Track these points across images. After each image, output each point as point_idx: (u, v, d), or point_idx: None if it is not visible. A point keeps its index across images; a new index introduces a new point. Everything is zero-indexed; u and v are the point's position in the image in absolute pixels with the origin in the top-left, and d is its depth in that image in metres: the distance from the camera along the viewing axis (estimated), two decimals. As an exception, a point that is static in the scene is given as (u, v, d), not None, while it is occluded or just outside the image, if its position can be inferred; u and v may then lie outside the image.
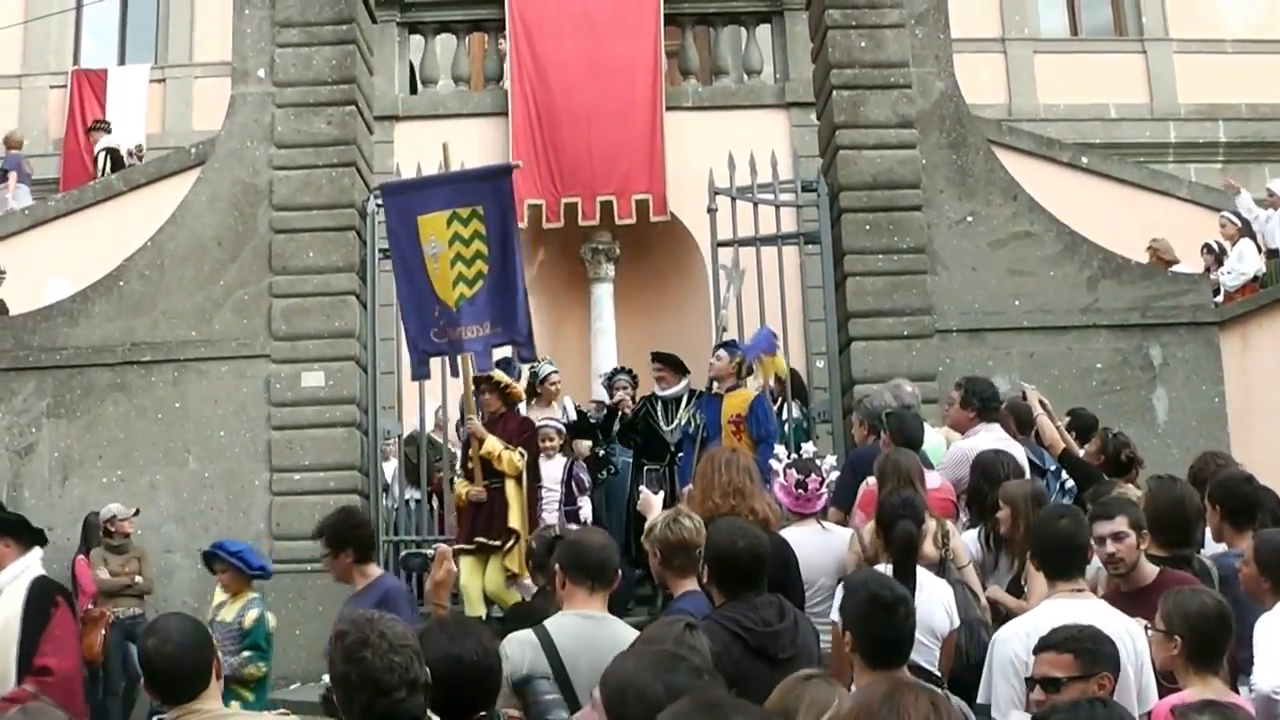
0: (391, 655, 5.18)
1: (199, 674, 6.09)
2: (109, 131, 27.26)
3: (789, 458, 10.40)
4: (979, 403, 12.06)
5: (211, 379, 17.05)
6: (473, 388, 15.11)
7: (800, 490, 9.91)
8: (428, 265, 14.93)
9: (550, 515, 15.34)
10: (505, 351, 15.80)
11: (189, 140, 24.22)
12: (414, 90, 23.74)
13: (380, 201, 16.90)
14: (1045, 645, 6.45)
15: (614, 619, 7.44)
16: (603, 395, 18.70)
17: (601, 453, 17.47)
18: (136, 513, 16.59)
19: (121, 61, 30.45)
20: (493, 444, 14.67)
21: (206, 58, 28.31)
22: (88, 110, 28.83)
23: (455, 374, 15.30)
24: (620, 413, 17.32)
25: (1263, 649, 7.37)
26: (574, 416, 17.54)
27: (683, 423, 16.19)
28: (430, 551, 10.39)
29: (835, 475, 10.34)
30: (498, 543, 14.58)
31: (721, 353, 15.30)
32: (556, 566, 7.62)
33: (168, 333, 17.19)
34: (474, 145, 20.66)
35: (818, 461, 10.21)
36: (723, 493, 9.37)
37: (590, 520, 15.55)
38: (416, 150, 18.99)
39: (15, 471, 17.03)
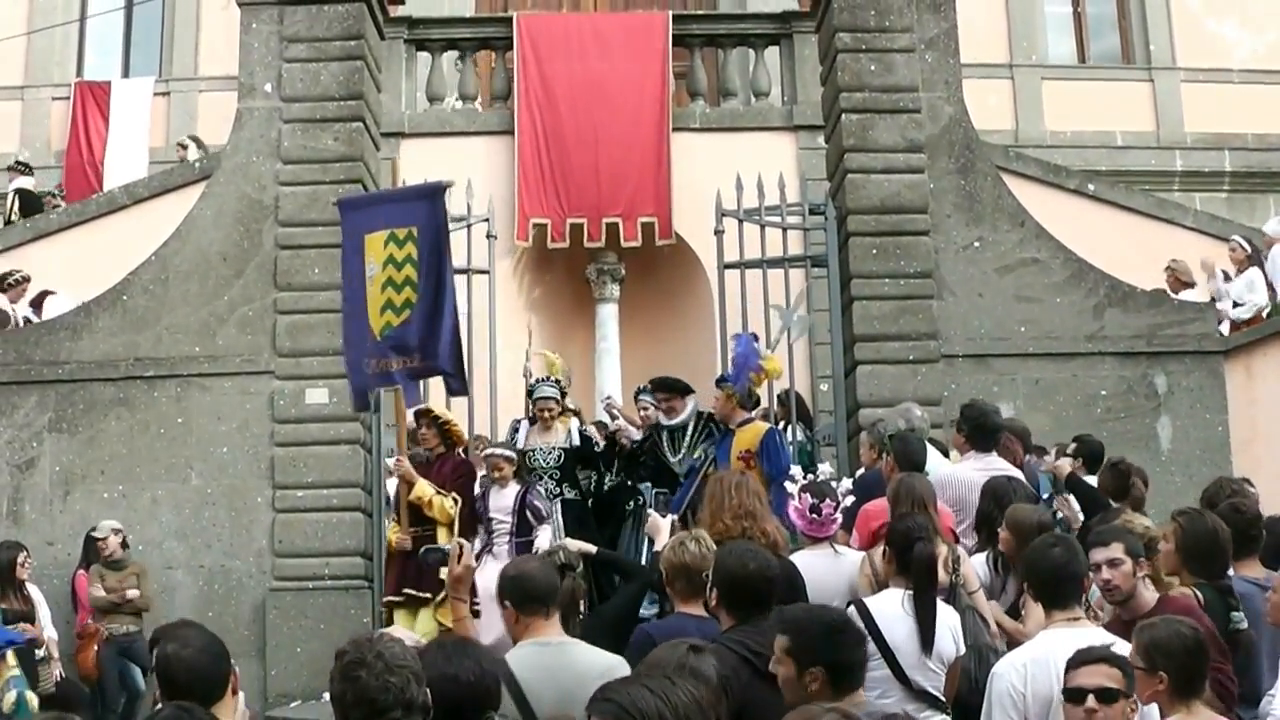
0: (387, 675, 5.22)
1: (215, 684, 6.08)
2: (25, 173, 26.80)
3: (804, 479, 10.38)
4: (968, 428, 12.13)
5: (215, 395, 17.00)
6: (410, 424, 14.61)
7: (814, 515, 9.87)
8: (367, 289, 13.77)
9: (501, 547, 14.73)
10: (436, 383, 14.66)
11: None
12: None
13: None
14: (1092, 658, 6.43)
15: (575, 643, 7.36)
16: (604, 417, 18.40)
17: (607, 484, 16.59)
18: (118, 532, 16.50)
19: (125, 74, 30.31)
20: (422, 488, 14.04)
21: (211, 71, 28.22)
22: (91, 122, 28.76)
23: (366, 407, 15.01)
24: (618, 444, 16.64)
25: None
26: (577, 442, 16.31)
27: (693, 456, 15.54)
28: (448, 546, 10.22)
29: (850, 500, 10.29)
30: (427, 595, 13.86)
31: (717, 391, 14.95)
32: (506, 604, 7.46)
33: (171, 348, 17.15)
34: (480, 164, 20.72)
35: (833, 485, 10.19)
36: (734, 515, 9.37)
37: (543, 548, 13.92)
38: (422, 168, 18.98)
39: (16, 486, 16.99)
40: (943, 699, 8.17)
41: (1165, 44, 29.67)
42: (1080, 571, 7.78)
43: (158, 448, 17.00)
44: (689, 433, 15.89)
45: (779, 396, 17.46)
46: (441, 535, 13.87)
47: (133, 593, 16.37)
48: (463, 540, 8.54)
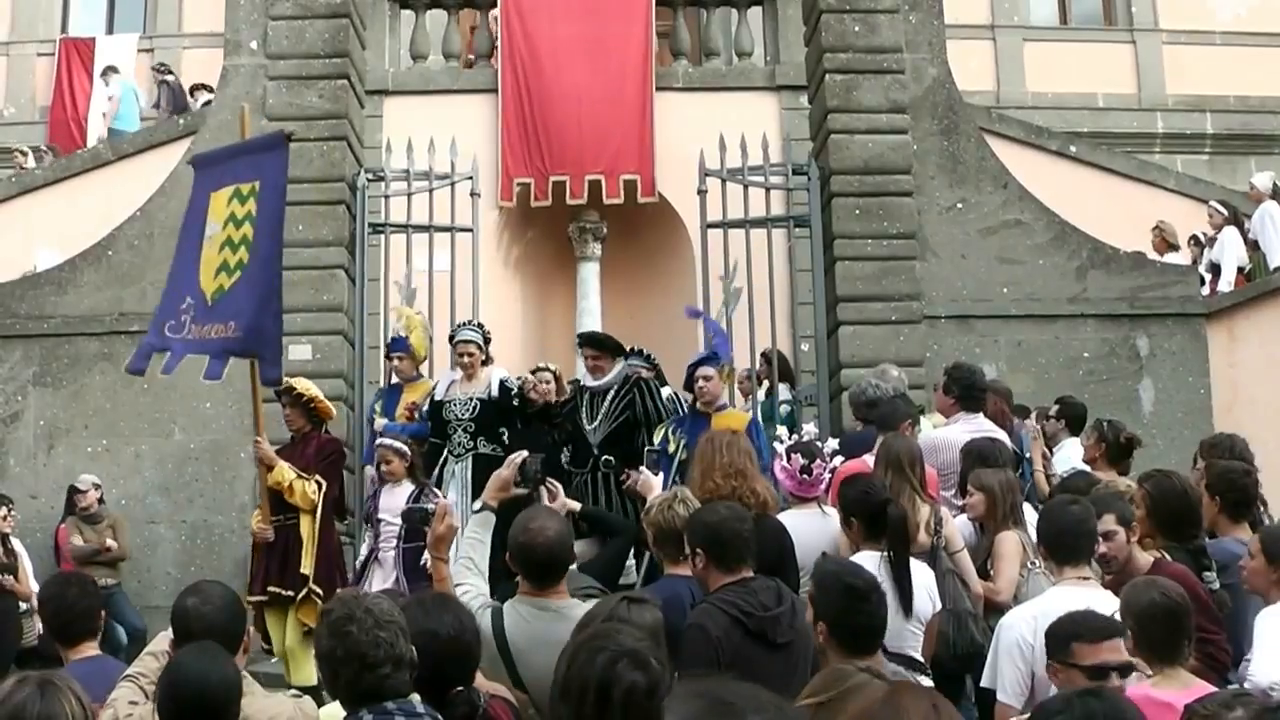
0: (377, 631, 5.27)
1: (230, 643, 6.13)
2: None
3: (790, 439, 10.38)
4: (959, 390, 12.05)
5: (199, 350, 17.03)
6: (265, 400, 13.41)
7: (805, 476, 9.89)
8: (203, 250, 12.60)
9: (388, 554, 13.24)
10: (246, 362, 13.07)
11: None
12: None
13: (366, 181, 17.15)
14: (1113, 632, 6.48)
15: (574, 606, 7.01)
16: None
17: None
18: (98, 487, 16.58)
19: (110, 31, 30.29)
20: (282, 471, 13.06)
21: (195, 28, 28.18)
22: (75, 79, 28.76)
23: (141, 371, 13.30)
24: (528, 400, 14.60)
25: (1263, 643, 7.42)
26: (496, 394, 14.47)
27: (664, 445, 13.67)
28: (431, 506, 10.14)
29: (839, 460, 10.29)
30: (290, 592, 12.93)
31: (708, 370, 13.47)
32: (506, 557, 7.26)
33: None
34: (464, 122, 20.60)
35: (819, 445, 10.20)
36: (724, 473, 9.29)
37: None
38: (406, 125, 19.00)
39: (0, 439, 17.03)
40: (920, 659, 8.21)
41: (1147, 5, 29.72)
42: (1094, 531, 7.85)
43: (141, 402, 17.05)
44: (609, 398, 14.29)
45: (763, 354, 17.50)
46: (304, 524, 13.15)
47: (111, 542, 16.48)
48: (445, 501, 8.45)
